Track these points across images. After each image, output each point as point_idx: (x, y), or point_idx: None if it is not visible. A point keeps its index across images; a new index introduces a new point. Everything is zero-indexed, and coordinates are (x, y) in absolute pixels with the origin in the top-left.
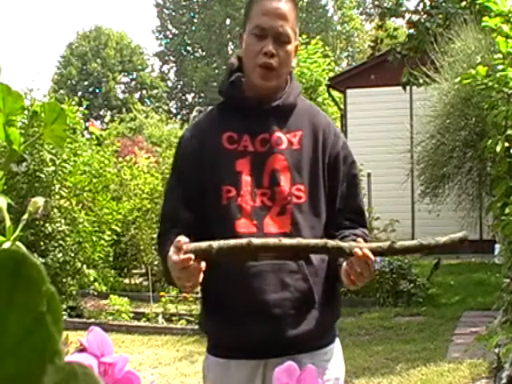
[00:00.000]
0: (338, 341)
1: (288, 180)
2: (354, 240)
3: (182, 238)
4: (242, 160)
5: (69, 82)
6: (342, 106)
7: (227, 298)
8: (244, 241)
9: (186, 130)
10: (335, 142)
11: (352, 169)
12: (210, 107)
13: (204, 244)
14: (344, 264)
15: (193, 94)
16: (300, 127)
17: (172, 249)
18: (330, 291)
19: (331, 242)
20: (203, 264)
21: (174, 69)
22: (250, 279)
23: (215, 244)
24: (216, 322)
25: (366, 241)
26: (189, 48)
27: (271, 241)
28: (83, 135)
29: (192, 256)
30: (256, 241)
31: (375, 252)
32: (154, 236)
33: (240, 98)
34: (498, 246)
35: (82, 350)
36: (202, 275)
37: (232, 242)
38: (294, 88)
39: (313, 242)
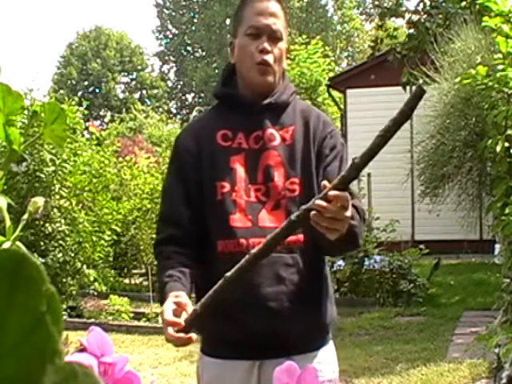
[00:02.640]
0: (331, 343)
1: (282, 175)
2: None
3: (182, 300)
4: (236, 156)
5: (69, 82)
6: (341, 106)
7: (223, 296)
8: (220, 281)
9: (182, 130)
10: (323, 130)
11: (338, 155)
12: (207, 109)
13: (190, 312)
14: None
15: (193, 94)
16: (292, 123)
17: (170, 308)
18: (326, 287)
19: (294, 214)
20: (193, 335)
21: (174, 69)
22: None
23: (197, 306)
24: (211, 319)
25: (357, 210)
26: (189, 48)
27: (243, 261)
28: (83, 135)
29: (184, 335)
30: (229, 273)
31: (341, 184)
32: (154, 236)
33: (234, 96)
34: (498, 246)
35: (82, 349)
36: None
37: (210, 291)
38: (287, 87)
39: (278, 229)
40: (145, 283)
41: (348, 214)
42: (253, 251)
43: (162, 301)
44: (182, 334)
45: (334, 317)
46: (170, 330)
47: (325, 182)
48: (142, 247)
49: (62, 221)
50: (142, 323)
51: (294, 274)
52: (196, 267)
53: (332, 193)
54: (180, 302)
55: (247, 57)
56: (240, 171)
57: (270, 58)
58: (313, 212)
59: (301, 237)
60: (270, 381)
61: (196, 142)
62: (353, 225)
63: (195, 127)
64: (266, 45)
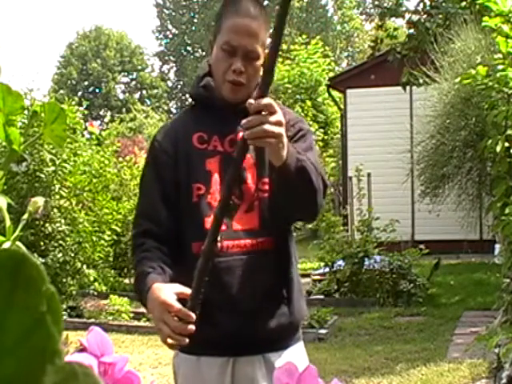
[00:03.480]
0: (301, 342)
1: (254, 176)
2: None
3: (186, 290)
4: (211, 159)
5: (69, 82)
6: (341, 106)
7: None
8: (195, 273)
9: (158, 129)
10: (290, 126)
11: (305, 133)
12: (184, 109)
13: (189, 302)
14: None
15: None
16: None
17: (174, 298)
18: (296, 286)
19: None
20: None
21: (174, 69)
22: (219, 274)
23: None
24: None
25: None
26: (189, 48)
27: (206, 243)
28: (83, 135)
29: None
30: (199, 263)
31: (259, 92)
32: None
33: (210, 100)
34: (498, 246)
35: (82, 349)
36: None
37: (195, 273)
38: None
39: (236, 155)
40: None
41: (277, 118)
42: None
43: (140, 290)
44: (191, 326)
45: (304, 315)
46: (175, 322)
47: (249, 100)
48: None
49: (62, 221)
50: (141, 323)
51: (265, 274)
52: (171, 265)
53: (253, 107)
54: (186, 292)
55: (220, 71)
56: (215, 174)
57: (242, 78)
58: (245, 132)
59: (271, 240)
60: (243, 377)
61: (173, 142)
62: (300, 159)
63: (172, 128)
64: (240, 65)
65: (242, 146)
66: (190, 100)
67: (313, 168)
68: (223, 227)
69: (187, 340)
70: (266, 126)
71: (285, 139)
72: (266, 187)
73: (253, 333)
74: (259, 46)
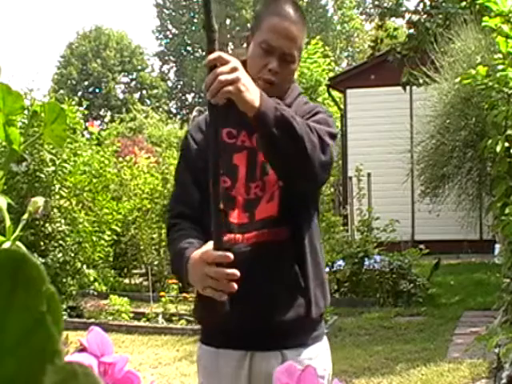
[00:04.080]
0: (326, 339)
1: None
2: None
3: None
4: (239, 154)
5: (69, 81)
6: (341, 106)
7: None
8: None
9: (193, 123)
10: (306, 113)
11: (315, 111)
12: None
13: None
14: None
15: (193, 94)
16: None
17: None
18: (320, 277)
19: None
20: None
21: (174, 69)
22: (238, 264)
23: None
24: (206, 309)
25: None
26: (189, 48)
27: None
28: (83, 135)
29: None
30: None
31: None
32: (154, 236)
33: None
34: (498, 246)
35: (82, 349)
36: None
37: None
38: (293, 90)
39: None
40: (145, 283)
41: (229, 66)
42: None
43: (179, 265)
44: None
45: (322, 308)
46: (216, 268)
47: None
48: (141, 247)
49: (62, 221)
50: (142, 323)
51: (282, 264)
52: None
53: (204, 64)
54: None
55: (256, 67)
56: (242, 169)
57: (276, 78)
58: (207, 95)
59: (288, 229)
60: (260, 372)
61: (204, 135)
62: (279, 108)
63: (204, 122)
64: (276, 66)
65: (211, 110)
66: (190, 100)
67: (300, 120)
68: (245, 220)
69: (235, 286)
70: (221, 77)
71: (249, 84)
72: None
73: (269, 324)
74: (296, 51)
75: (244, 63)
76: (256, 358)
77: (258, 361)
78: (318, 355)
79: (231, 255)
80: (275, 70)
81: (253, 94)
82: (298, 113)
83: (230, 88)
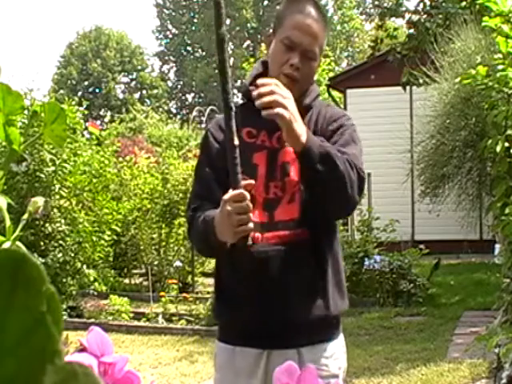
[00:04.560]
0: (342, 337)
1: (297, 170)
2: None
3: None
4: (259, 154)
5: (69, 81)
6: (342, 106)
7: (236, 282)
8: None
9: (213, 121)
10: (330, 123)
11: (341, 128)
12: (207, 109)
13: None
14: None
15: (193, 94)
16: (309, 122)
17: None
18: (338, 279)
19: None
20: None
21: (174, 69)
22: (257, 264)
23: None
24: (225, 306)
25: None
26: (189, 48)
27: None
28: (83, 135)
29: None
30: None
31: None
32: (154, 236)
33: None
34: (498, 246)
35: (82, 349)
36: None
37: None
38: (312, 91)
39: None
40: (145, 283)
41: (286, 92)
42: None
43: (207, 229)
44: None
45: (341, 309)
46: (236, 204)
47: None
48: (141, 247)
49: (62, 221)
50: (142, 323)
51: (301, 266)
52: None
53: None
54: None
55: (277, 63)
56: (261, 168)
57: (297, 74)
58: (257, 102)
59: (308, 232)
60: None
61: (224, 134)
62: (324, 145)
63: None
64: (297, 61)
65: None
66: (190, 100)
67: (341, 156)
68: (265, 220)
69: (251, 225)
70: (276, 96)
71: (298, 118)
72: None
73: (287, 324)
74: (317, 48)
75: (265, 64)
76: (273, 356)
77: (275, 359)
78: (334, 353)
79: (246, 193)
80: (297, 65)
81: (301, 128)
82: (321, 116)
83: (286, 113)
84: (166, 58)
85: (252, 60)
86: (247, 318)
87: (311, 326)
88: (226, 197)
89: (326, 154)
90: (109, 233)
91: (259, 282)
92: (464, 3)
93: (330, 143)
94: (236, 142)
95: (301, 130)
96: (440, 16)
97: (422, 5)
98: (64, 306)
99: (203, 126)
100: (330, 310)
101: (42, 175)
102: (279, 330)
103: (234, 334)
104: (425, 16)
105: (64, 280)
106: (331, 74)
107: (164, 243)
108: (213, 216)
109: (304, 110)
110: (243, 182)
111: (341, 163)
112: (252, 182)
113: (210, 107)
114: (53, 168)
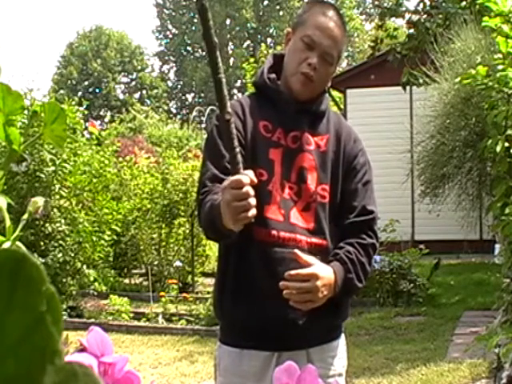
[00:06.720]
0: (343, 337)
1: (315, 179)
2: (338, 260)
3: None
4: (275, 150)
5: (69, 81)
6: (341, 106)
7: (248, 283)
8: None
9: (233, 100)
10: (355, 146)
11: (366, 174)
12: (246, 94)
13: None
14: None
15: (193, 94)
16: (327, 132)
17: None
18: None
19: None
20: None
21: (174, 69)
22: (272, 264)
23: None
24: (235, 306)
25: (351, 261)
26: (189, 48)
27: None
28: (83, 135)
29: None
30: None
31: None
32: (154, 236)
33: (277, 92)
34: (498, 246)
35: (82, 349)
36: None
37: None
38: (326, 98)
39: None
40: (145, 283)
41: (322, 282)
42: None
43: (216, 219)
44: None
45: (348, 315)
46: (235, 190)
47: (296, 251)
48: (141, 247)
49: (62, 221)
50: (142, 323)
51: None
52: None
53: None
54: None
55: (295, 61)
56: (277, 165)
57: (314, 74)
58: (286, 292)
59: (324, 241)
60: None
61: (242, 122)
62: (348, 278)
63: (242, 107)
64: (316, 61)
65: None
66: (190, 100)
67: (360, 272)
68: (280, 218)
69: (254, 211)
70: (304, 296)
71: (327, 284)
72: (326, 194)
73: (298, 327)
74: (335, 53)
75: (281, 59)
76: (283, 358)
77: (285, 361)
78: (339, 352)
79: (244, 177)
80: (314, 64)
81: (328, 289)
82: (341, 129)
83: (316, 303)
84: (166, 58)
85: (252, 60)
86: (258, 318)
87: (322, 328)
88: (224, 184)
89: (352, 287)
90: (109, 233)
91: (273, 281)
92: (464, 3)
93: (353, 181)
94: (228, 116)
95: (329, 291)
96: (440, 16)
97: (421, 5)
98: (64, 306)
99: (203, 125)
100: (340, 316)
101: (42, 175)
102: (292, 332)
103: (243, 336)
104: (425, 16)
105: (64, 280)
106: None
107: (164, 243)
108: (219, 201)
109: (319, 115)
110: (247, 172)
111: (360, 282)
112: (251, 172)
113: (210, 107)
114: (53, 168)
